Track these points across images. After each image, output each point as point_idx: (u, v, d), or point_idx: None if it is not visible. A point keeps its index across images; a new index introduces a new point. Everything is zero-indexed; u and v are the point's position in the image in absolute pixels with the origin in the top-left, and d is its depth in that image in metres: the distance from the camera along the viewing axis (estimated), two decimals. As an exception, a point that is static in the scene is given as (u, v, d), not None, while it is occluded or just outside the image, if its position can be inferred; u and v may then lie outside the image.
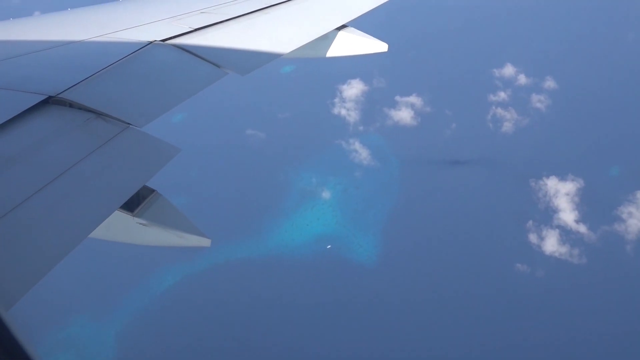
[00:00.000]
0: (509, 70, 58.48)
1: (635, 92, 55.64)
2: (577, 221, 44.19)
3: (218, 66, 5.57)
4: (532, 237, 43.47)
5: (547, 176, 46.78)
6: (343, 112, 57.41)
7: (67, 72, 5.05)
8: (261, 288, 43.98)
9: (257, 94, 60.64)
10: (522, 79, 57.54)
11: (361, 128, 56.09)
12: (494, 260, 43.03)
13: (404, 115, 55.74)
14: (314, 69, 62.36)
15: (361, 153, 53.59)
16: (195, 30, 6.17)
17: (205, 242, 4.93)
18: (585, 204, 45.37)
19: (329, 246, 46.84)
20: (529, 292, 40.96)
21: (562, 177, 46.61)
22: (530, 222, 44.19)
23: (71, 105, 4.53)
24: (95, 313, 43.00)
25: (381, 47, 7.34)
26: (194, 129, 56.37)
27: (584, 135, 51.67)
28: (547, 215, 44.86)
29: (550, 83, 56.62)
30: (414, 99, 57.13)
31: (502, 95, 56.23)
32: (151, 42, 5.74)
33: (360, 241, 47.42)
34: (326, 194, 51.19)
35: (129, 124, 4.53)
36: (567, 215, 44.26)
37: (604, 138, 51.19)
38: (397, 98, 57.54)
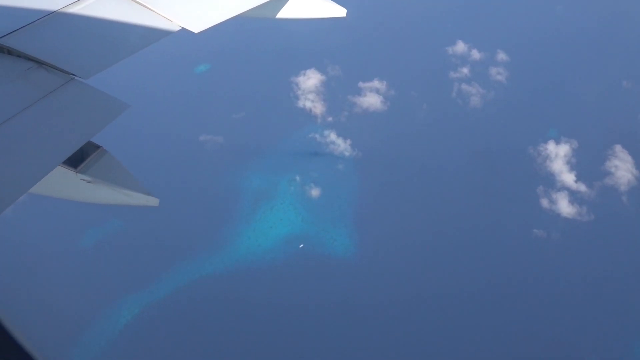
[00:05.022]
0: (461, 47, 58.63)
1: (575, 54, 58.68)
2: (576, 181, 44.84)
3: (171, 20, 5.39)
4: (544, 202, 43.27)
5: (545, 141, 47.04)
6: (308, 104, 53.35)
7: (7, 17, 4.60)
8: (235, 303, 39.03)
9: (195, 95, 54.46)
10: (476, 54, 58.02)
11: (330, 119, 52.52)
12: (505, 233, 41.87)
13: (372, 100, 53.10)
14: (234, 64, 57.62)
15: (322, 145, 50.04)
16: None
17: (153, 201, 4.85)
18: (577, 163, 46.37)
19: (302, 245, 43.14)
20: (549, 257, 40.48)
21: (557, 141, 47.19)
22: (541, 187, 44.05)
23: (9, 52, 4.25)
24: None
25: (339, 12, 7.02)
26: (137, 143, 48.24)
27: (545, 102, 53.23)
28: (550, 179, 44.95)
29: (502, 56, 57.72)
30: (377, 83, 54.78)
31: (463, 71, 56.13)
32: None
33: (333, 235, 44.05)
34: (284, 193, 47.06)
35: (73, 75, 4.34)
36: (567, 176, 44.70)
37: (555, 104, 53.14)
38: (360, 84, 54.76)
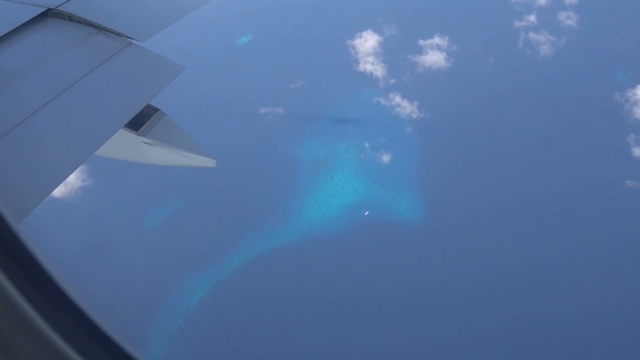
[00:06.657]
0: (525, -8, 55.06)
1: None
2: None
3: None
4: (636, 152, 40.55)
5: (633, 86, 43.84)
6: (368, 67, 51.17)
7: None
8: (306, 274, 38.23)
9: (248, 66, 52.78)
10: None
11: (393, 81, 50.29)
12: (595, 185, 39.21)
13: (435, 58, 50.49)
14: (278, 34, 55.35)
15: (387, 109, 47.82)
16: None
17: (210, 162, 5.00)
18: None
19: (367, 213, 41.74)
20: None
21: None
22: (632, 135, 41.18)
23: (70, 18, 4.29)
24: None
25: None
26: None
27: (621, 43, 49.45)
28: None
29: (570, -1, 53.96)
30: (438, 40, 52.02)
31: (530, 19, 52.89)
32: None
33: (398, 200, 42.38)
34: (342, 161, 45.45)
35: (130, 38, 4.44)
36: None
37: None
38: (420, 42, 52.10)
